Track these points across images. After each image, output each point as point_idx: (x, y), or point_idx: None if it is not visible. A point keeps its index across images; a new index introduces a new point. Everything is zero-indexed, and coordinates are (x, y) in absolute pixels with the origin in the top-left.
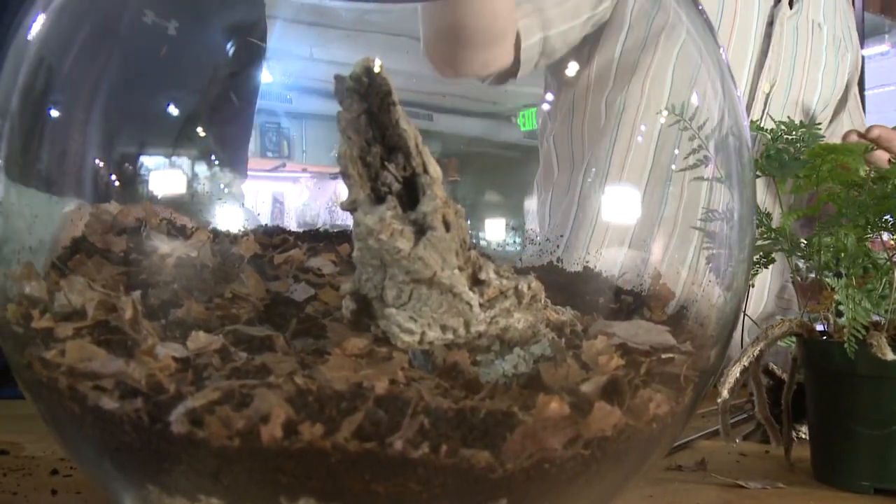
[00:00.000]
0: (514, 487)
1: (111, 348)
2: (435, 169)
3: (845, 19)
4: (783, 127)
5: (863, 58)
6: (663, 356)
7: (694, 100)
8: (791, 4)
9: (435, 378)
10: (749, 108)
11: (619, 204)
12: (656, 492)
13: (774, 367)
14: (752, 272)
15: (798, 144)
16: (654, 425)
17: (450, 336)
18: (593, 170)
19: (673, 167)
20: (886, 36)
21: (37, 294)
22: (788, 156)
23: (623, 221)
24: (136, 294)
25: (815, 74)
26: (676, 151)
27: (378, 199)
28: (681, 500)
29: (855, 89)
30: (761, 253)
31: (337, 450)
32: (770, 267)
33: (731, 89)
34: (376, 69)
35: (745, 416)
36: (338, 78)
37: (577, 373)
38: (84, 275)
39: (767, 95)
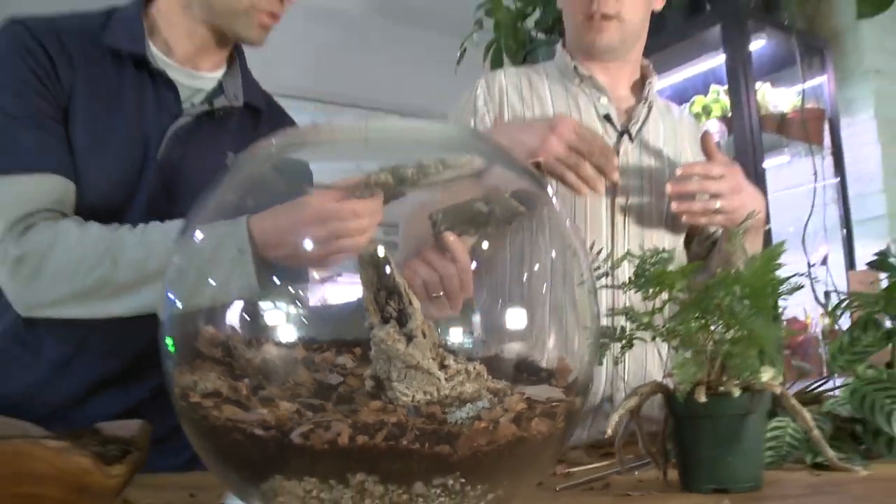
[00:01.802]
0: (463, 466)
1: (240, 408)
2: (415, 302)
3: (693, 142)
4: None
5: (763, 171)
6: (552, 403)
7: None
8: (632, 138)
9: (421, 419)
10: (612, 218)
11: (534, 316)
12: (567, 501)
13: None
14: (622, 353)
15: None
16: (538, 436)
17: (428, 397)
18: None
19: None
20: (786, 149)
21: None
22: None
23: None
24: (245, 381)
25: (661, 185)
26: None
27: (385, 321)
28: None
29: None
30: (626, 340)
31: (375, 448)
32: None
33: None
34: (380, 254)
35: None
36: (359, 256)
37: (499, 412)
38: (206, 371)
39: (626, 209)
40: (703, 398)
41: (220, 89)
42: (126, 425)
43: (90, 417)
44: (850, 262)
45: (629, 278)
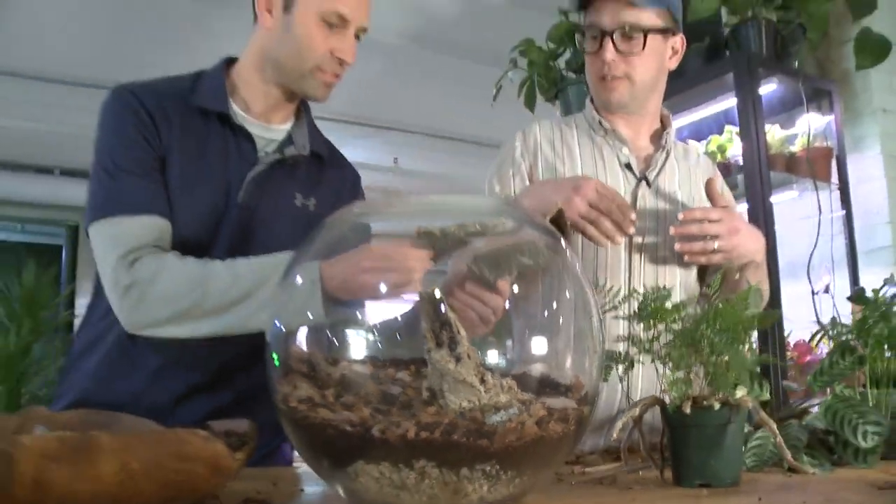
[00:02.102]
0: (497, 456)
1: (328, 410)
2: (462, 331)
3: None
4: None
5: (771, 206)
6: (568, 410)
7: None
8: (649, 184)
9: (466, 421)
10: (630, 255)
11: (554, 343)
12: (582, 494)
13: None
14: (625, 372)
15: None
16: (554, 436)
17: (471, 405)
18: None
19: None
20: (794, 185)
21: (286, 390)
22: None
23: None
24: (330, 390)
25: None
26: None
27: (439, 346)
28: (597, 495)
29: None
30: (629, 361)
31: (433, 441)
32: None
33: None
34: (437, 295)
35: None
36: (421, 295)
37: (525, 417)
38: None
39: (642, 247)
40: (688, 410)
41: (289, 140)
42: (236, 423)
43: (181, 419)
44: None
45: (633, 311)
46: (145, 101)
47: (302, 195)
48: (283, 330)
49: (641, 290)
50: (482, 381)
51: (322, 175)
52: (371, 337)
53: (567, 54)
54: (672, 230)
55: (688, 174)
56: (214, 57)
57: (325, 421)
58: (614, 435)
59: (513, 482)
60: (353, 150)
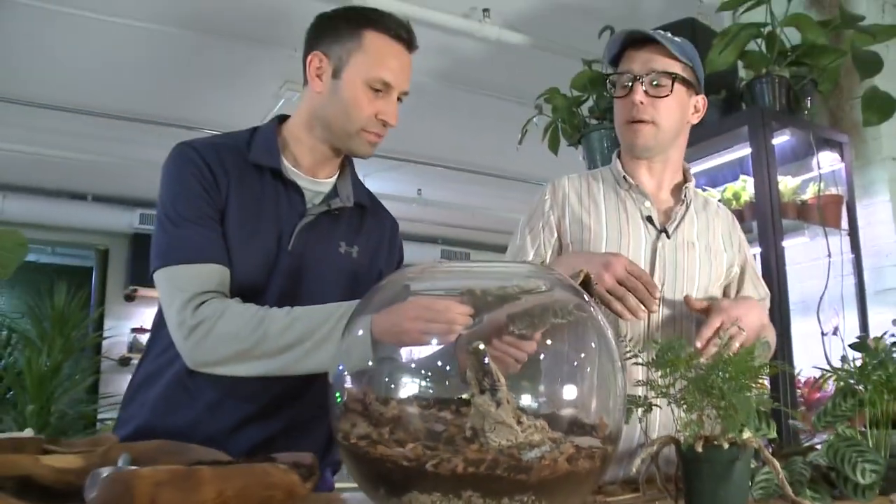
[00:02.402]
0: (533, 488)
1: (386, 447)
2: (501, 378)
3: (726, 233)
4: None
5: (782, 250)
6: (593, 449)
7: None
8: (668, 236)
9: (506, 456)
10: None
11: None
12: None
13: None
14: (643, 414)
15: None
16: (582, 471)
17: (509, 443)
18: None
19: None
20: (805, 231)
21: (346, 428)
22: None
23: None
24: (386, 428)
25: (692, 273)
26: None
27: (482, 392)
28: None
29: (749, 272)
30: (648, 404)
31: (478, 474)
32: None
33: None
34: (481, 347)
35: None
36: (467, 348)
37: (556, 454)
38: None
39: (661, 293)
40: (700, 448)
41: (334, 192)
42: (301, 456)
43: (235, 447)
44: (864, 330)
45: (651, 360)
46: (207, 156)
47: (346, 243)
48: (345, 373)
49: (659, 339)
50: (518, 422)
51: (363, 224)
52: (416, 379)
53: (590, 101)
54: (698, 345)
55: (706, 225)
56: (246, 98)
57: (384, 456)
58: (633, 469)
59: None
60: (380, 181)
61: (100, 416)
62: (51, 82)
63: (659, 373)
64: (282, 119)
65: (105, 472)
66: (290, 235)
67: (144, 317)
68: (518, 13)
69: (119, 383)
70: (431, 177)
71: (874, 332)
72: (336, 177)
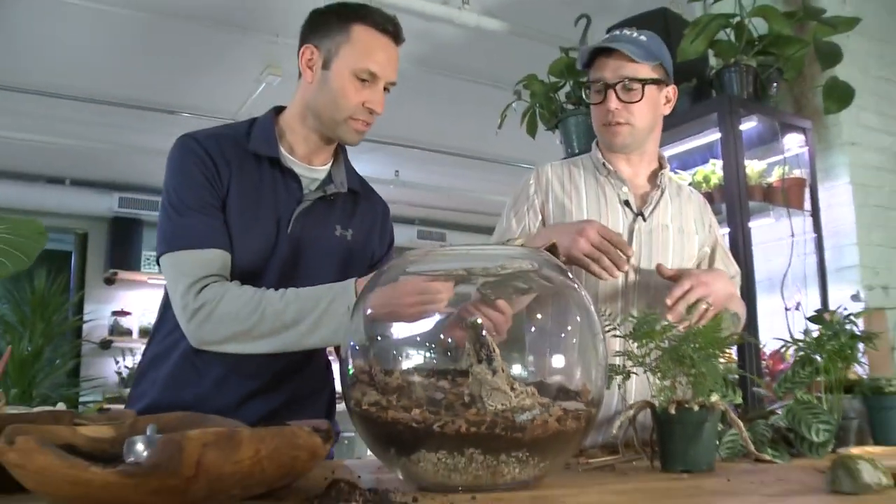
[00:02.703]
0: (526, 445)
1: (396, 412)
2: (496, 350)
3: (697, 216)
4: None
5: (748, 230)
6: (579, 411)
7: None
8: (644, 219)
9: (502, 418)
10: (626, 280)
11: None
12: (587, 478)
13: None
14: (623, 381)
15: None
16: (569, 429)
17: (504, 407)
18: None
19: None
20: (771, 212)
21: (357, 396)
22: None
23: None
24: (393, 396)
25: (665, 254)
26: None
27: (479, 361)
28: (599, 480)
29: (719, 251)
30: (626, 372)
31: (479, 434)
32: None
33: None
34: (479, 322)
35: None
36: (466, 322)
37: (546, 416)
38: (365, 389)
39: (638, 272)
40: (673, 411)
41: (329, 178)
42: (317, 422)
43: (243, 419)
44: (825, 305)
45: (629, 332)
46: (209, 147)
47: (341, 226)
48: (355, 347)
49: (635, 313)
50: (512, 388)
51: (357, 208)
52: (418, 352)
53: (567, 87)
54: (668, 314)
55: (679, 209)
56: (228, 83)
57: (395, 420)
58: (613, 432)
59: (538, 466)
60: (358, 163)
61: (81, 399)
62: (30, 67)
63: (636, 344)
64: (279, 110)
65: (140, 439)
66: (288, 220)
67: (124, 300)
68: (496, 0)
69: (100, 366)
70: (409, 159)
71: (834, 307)
72: (330, 164)
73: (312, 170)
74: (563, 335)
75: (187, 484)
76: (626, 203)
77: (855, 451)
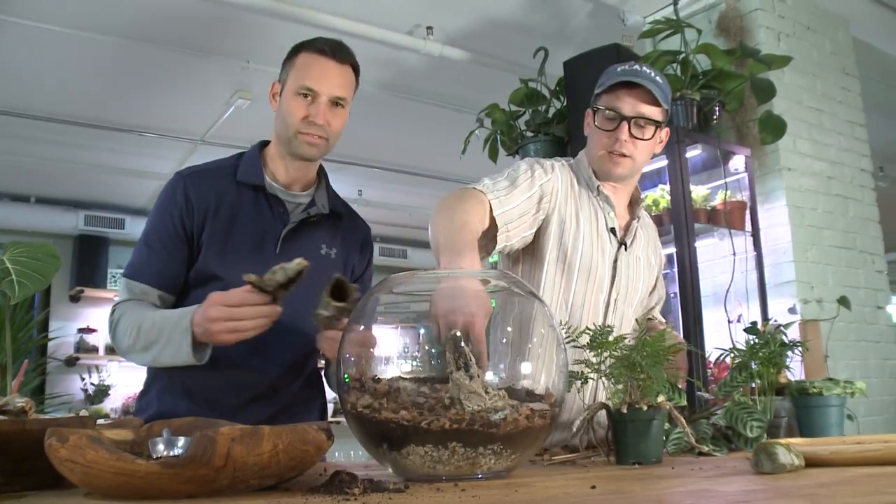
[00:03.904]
0: (500, 439)
1: (386, 412)
2: (472, 359)
3: (654, 246)
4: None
5: (694, 249)
6: (545, 411)
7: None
8: (626, 249)
9: (479, 417)
10: (606, 308)
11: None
12: (552, 470)
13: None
14: (581, 386)
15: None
16: (535, 427)
17: (479, 407)
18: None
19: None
20: (715, 233)
21: (353, 400)
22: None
23: (535, 372)
24: (383, 399)
25: (636, 285)
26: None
27: (458, 368)
28: (562, 471)
29: (660, 277)
30: (584, 378)
31: (460, 430)
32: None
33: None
34: (458, 334)
35: (599, 453)
36: (445, 337)
37: (515, 415)
38: (357, 394)
39: (615, 301)
40: (625, 410)
41: (312, 202)
42: (319, 424)
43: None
44: (765, 317)
45: (587, 343)
46: (188, 185)
47: (326, 245)
48: (351, 358)
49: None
50: (486, 391)
51: (339, 229)
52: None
53: (526, 115)
54: None
55: (646, 240)
56: (197, 105)
57: (388, 419)
58: (573, 429)
59: (510, 458)
60: None
61: (47, 416)
62: None
63: (592, 353)
64: (265, 144)
65: (161, 440)
66: (276, 241)
67: (90, 317)
68: (459, 30)
69: (66, 383)
70: (372, 178)
71: (773, 318)
72: (314, 189)
73: (296, 195)
74: (529, 345)
75: (216, 473)
76: (613, 231)
77: (776, 440)
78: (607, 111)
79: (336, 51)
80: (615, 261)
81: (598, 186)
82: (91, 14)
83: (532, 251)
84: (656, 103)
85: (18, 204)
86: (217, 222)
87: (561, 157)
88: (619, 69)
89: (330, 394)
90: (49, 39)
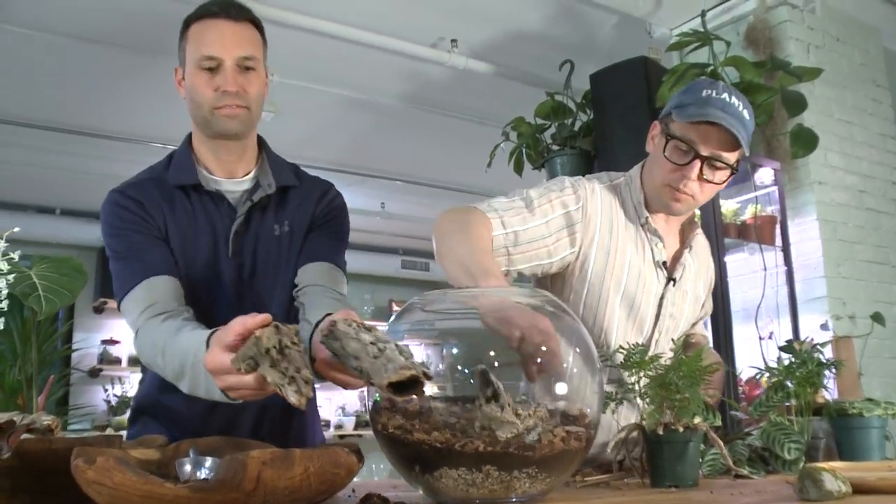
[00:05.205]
0: (535, 462)
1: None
2: (501, 388)
3: (706, 280)
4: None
5: (724, 265)
6: (579, 433)
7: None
8: (674, 284)
9: (513, 440)
10: (649, 341)
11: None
12: (587, 493)
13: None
14: (616, 406)
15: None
16: (573, 448)
17: (513, 434)
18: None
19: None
20: (745, 248)
21: (384, 420)
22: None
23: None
24: (415, 420)
25: (679, 323)
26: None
27: (487, 401)
28: (597, 494)
29: (709, 297)
30: (619, 398)
31: (494, 453)
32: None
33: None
34: (486, 369)
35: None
36: (476, 370)
37: (551, 437)
38: (389, 415)
39: (656, 342)
40: (661, 432)
41: (257, 184)
42: (349, 444)
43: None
44: (796, 334)
45: (621, 362)
46: (133, 194)
47: (278, 224)
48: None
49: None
50: (517, 414)
51: (288, 199)
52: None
53: (552, 129)
54: None
55: (696, 272)
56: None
57: (420, 440)
58: (608, 451)
59: (545, 481)
60: (345, 195)
61: (70, 427)
62: (20, 99)
63: (627, 373)
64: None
65: (187, 460)
66: (226, 238)
67: (113, 328)
68: (483, 43)
69: (89, 395)
70: (395, 191)
71: (805, 335)
72: (256, 169)
73: (239, 182)
74: (565, 366)
75: (247, 498)
76: (662, 265)
77: (820, 465)
78: (682, 141)
79: (227, 8)
80: (661, 298)
81: (647, 219)
82: (109, 23)
83: (560, 285)
84: (737, 146)
85: (43, 216)
86: (171, 233)
87: (607, 175)
88: (705, 94)
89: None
90: (69, 48)
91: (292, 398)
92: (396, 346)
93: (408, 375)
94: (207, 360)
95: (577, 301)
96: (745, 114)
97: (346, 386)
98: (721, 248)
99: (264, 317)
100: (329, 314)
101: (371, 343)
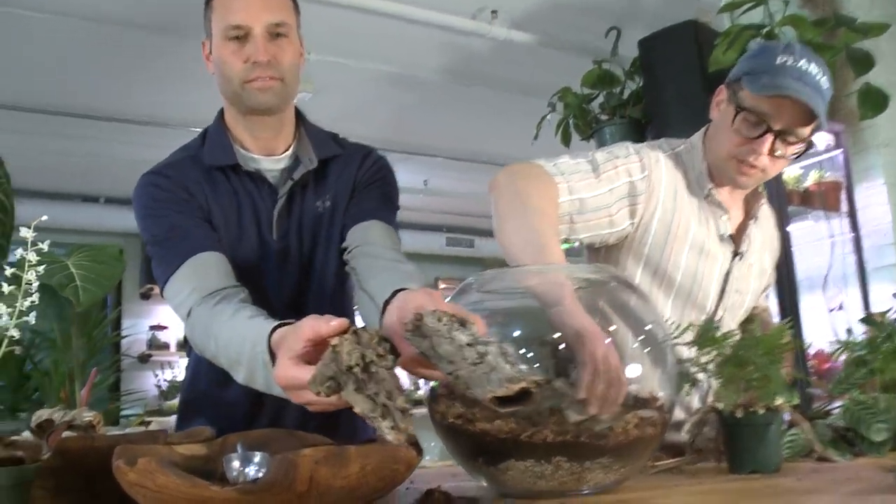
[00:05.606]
0: (608, 451)
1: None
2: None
3: (772, 253)
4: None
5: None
6: (654, 418)
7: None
8: (741, 258)
9: (584, 428)
10: (714, 314)
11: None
12: (662, 480)
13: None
14: (689, 388)
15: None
16: (647, 435)
17: (584, 416)
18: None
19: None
20: (809, 216)
21: (443, 409)
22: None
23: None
24: (476, 409)
25: (744, 298)
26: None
27: (558, 376)
28: (674, 481)
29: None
30: (693, 379)
31: (564, 442)
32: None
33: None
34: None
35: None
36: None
37: (625, 424)
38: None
39: (721, 319)
40: (740, 415)
41: (297, 160)
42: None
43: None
44: (866, 304)
45: (692, 340)
46: (170, 174)
47: (320, 200)
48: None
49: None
50: None
51: (329, 171)
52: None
53: (600, 98)
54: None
55: (761, 243)
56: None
57: (483, 431)
58: (682, 435)
59: (619, 471)
60: None
61: (123, 413)
62: (63, 89)
63: (699, 351)
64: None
65: (235, 456)
66: (269, 221)
67: (161, 314)
68: (525, 12)
69: (140, 380)
70: (438, 167)
71: (875, 305)
72: (295, 145)
73: (276, 160)
74: (635, 346)
75: (299, 499)
76: (727, 237)
77: None
78: (754, 114)
79: None
80: (727, 273)
81: (709, 190)
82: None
83: (616, 256)
84: (813, 118)
85: (89, 205)
86: (214, 213)
87: (667, 142)
88: (780, 61)
89: None
90: (110, 37)
91: (389, 436)
92: (499, 347)
93: (516, 390)
94: (278, 375)
95: (632, 277)
96: (824, 82)
97: (434, 380)
98: (784, 217)
99: (340, 322)
100: (401, 290)
101: (468, 345)
